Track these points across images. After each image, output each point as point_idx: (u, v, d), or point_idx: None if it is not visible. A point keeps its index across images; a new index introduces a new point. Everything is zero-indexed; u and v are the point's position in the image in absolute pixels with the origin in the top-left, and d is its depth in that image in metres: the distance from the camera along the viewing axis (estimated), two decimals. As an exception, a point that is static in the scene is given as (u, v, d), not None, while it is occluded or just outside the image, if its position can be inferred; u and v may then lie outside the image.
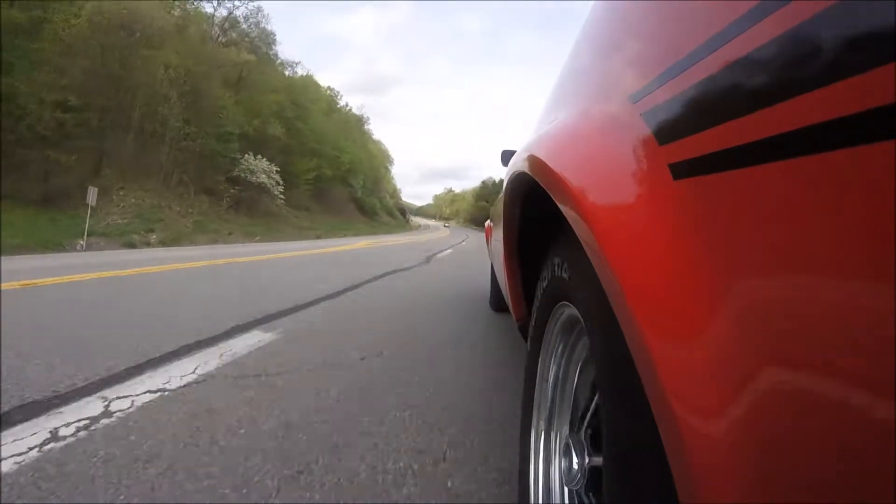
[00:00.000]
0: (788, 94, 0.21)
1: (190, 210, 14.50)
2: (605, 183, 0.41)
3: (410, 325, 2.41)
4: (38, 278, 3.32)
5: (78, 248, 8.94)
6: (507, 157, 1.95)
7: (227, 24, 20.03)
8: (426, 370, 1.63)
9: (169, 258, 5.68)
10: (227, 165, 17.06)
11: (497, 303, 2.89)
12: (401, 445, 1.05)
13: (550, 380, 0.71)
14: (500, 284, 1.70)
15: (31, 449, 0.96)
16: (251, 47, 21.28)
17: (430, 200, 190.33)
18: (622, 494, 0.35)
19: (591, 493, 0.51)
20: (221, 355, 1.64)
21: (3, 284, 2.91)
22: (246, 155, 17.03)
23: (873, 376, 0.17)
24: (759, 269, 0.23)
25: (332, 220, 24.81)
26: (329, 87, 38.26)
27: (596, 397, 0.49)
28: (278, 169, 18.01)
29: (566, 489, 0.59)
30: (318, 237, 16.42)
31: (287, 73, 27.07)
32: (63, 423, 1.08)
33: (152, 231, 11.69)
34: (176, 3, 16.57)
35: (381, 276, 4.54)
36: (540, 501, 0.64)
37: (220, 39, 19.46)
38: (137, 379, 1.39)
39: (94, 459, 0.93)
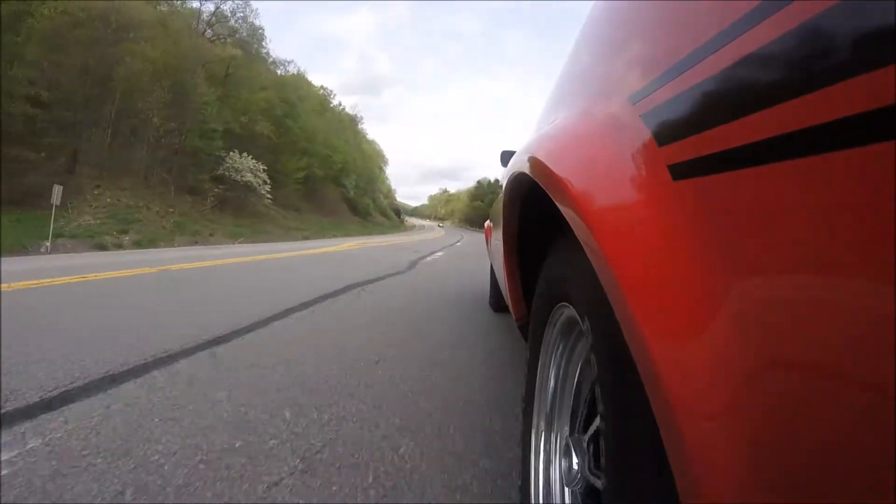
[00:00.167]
0: (788, 95, 0.21)
1: (170, 210, 13.88)
2: (605, 184, 0.42)
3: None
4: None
5: (42, 250, 8.25)
6: (506, 157, 1.96)
7: (213, 19, 19.28)
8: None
9: (119, 263, 4.91)
10: (212, 164, 16.38)
11: (497, 302, 2.90)
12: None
13: (551, 380, 0.71)
14: (500, 284, 1.71)
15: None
16: (239, 43, 20.54)
17: (425, 201, 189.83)
18: (622, 495, 0.35)
19: (590, 495, 0.51)
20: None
21: None
22: (231, 153, 16.29)
23: (873, 376, 0.17)
24: (759, 269, 0.24)
25: (323, 221, 24.27)
26: (322, 87, 37.67)
27: (596, 398, 0.46)
28: (265, 168, 17.32)
29: (567, 489, 0.59)
30: (307, 238, 15.86)
31: (279, 71, 26.75)
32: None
33: (126, 232, 10.98)
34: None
35: (333, 295, 3.19)
36: (541, 501, 0.65)
37: (206, 34, 18.68)
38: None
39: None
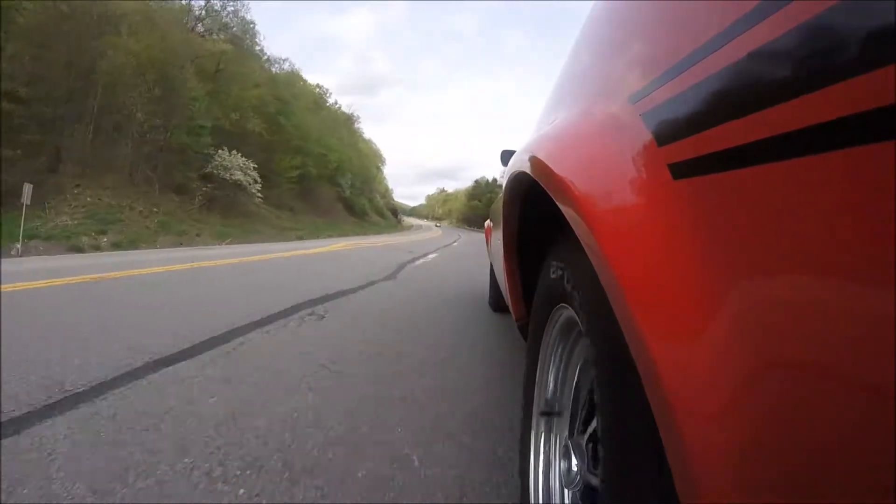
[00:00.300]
0: (788, 94, 0.21)
1: (155, 209, 13.30)
2: (605, 183, 0.42)
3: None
4: None
5: (13, 252, 7.67)
6: (506, 157, 1.97)
7: (203, 14, 18.67)
8: None
9: (81, 267, 4.32)
10: (200, 161, 15.76)
11: (496, 302, 2.91)
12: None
13: (550, 382, 0.72)
14: (500, 284, 1.70)
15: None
16: (231, 39, 19.96)
17: (423, 201, 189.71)
18: (621, 496, 0.36)
19: (589, 497, 0.51)
20: None
21: None
22: (220, 150, 15.68)
23: (873, 377, 0.17)
24: (759, 268, 0.24)
25: (318, 221, 23.80)
26: (318, 85, 37.16)
27: (595, 399, 0.47)
28: (256, 166, 16.72)
29: (566, 491, 0.59)
30: (300, 238, 15.34)
31: (274, 69, 26.55)
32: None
33: (105, 233, 10.38)
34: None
35: (261, 324, 2.22)
36: (540, 502, 0.65)
37: (196, 29, 18.06)
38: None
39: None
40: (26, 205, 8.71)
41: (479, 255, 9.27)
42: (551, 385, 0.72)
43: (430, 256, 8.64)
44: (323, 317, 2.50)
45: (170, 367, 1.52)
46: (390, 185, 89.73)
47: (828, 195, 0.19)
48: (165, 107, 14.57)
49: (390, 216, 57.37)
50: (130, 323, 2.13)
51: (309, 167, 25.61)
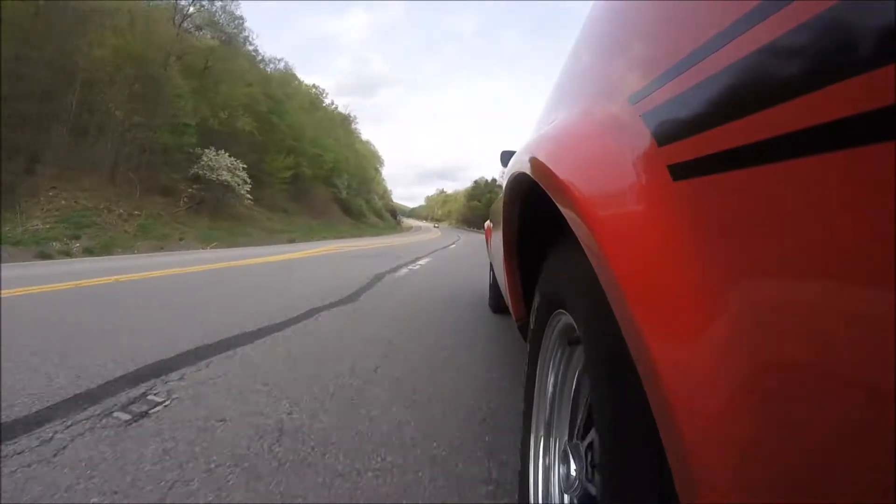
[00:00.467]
0: (788, 95, 0.21)
1: (136, 212, 12.57)
2: (605, 184, 0.42)
3: None
4: None
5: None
6: (506, 157, 1.96)
7: (191, 9, 17.98)
8: None
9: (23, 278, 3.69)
10: (185, 162, 15.02)
11: (496, 303, 2.90)
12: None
13: (549, 386, 0.72)
14: (500, 284, 1.70)
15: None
16: (221, 35, 19.25)
17: (422, 202, 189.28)
18: (620, 496, 0.36)
19: (588, 500, 0.51)
20: None
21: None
22: (206, 150, 14.95)
23: (873, 377, 0.18)
24: (759, 269, 0.24)
25: (313, 223, 23.21)
26: (314, 85, 36.56)
27: (593, 401, 0.48)
28: (245, 166, 15.99)
29: (565, 496, 0.59)
30: (292, 241, 14.69)
31: (269, 69, 26.28)
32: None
33: (77, 238, 9.67)
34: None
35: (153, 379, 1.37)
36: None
37: (183, 25, 17.36)
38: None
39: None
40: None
41: (481, 260, 7.73)
42: (551, 389, 0.72)
43: (421, 263, 7.08)
44: (141, 417, 1.21)
45: None
46: (389, 186, 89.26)
47: (828, 196, 0.20)
48: (147, 104, 13.83)
49: (389, 217, 56.74)
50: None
51: (303, 168, 25.07)
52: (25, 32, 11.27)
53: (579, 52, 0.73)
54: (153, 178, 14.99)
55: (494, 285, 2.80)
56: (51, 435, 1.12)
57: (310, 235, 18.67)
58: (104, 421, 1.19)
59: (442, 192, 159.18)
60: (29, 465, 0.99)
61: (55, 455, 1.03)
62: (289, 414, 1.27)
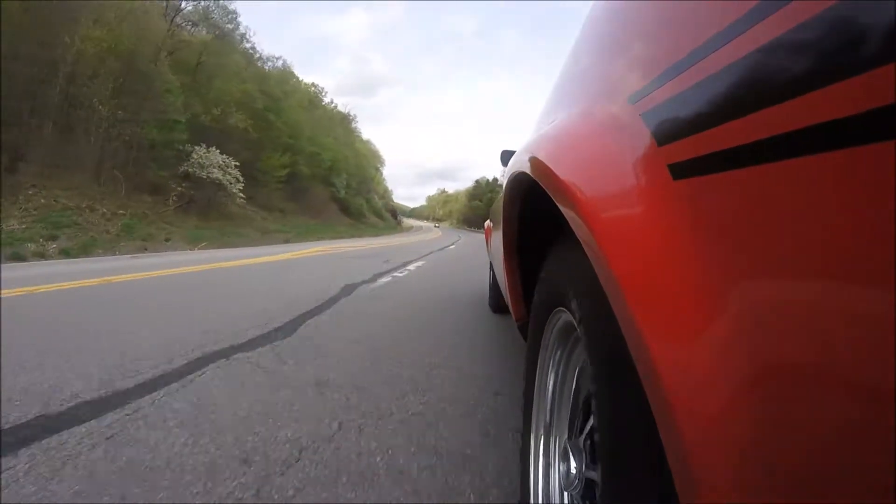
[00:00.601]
0: (788, 94, 0.22)
1: (121, 211, 11.99)
2: (605, 183, 0.43)
3: None
4: None
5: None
6: (506, 157, 1.97)
7: (183, 3, 17.43)
8: None
9: None
10: (175, 159, 14.44)
11: (496, 303, 2.91)
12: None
13: (549, 384, 0.73)
14: (500, 284, 1.69)
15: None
16: (215, 30, 18.68)
17: (423, 202, 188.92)
18: (620, 496, 0.36)
19: (588, 499, 0.52)
20: None
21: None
22: (196, 147, 14.36)
23: (873, 378, 0.18)
24: (759, 269, 0.24)
25: (310, 223, 22.69)
26: (313, 84, 36.07)
27: (592, 401, 0.48)
28: (238, 164, 15.37)
29: (565, 493, 0.60)
30: (287, 241, 14.14)
31: (268, 67, 26.09)
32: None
33: (55, 238, 9.10)
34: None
35: None
36: (539, 503, 0.66)
37: (175, 20, 16.79)
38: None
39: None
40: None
41: (481, 261, 6.78)
42: (551, 388, 0.72)
43: (412, 267, 6.06)
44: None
45: None
46: (390, 186, 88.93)
47: (828, 195, 0.20)
48: (133, 99, 13.24)
49: (389, 217, 56.24)
50: None
51: (300, 166, 24.61)
52: (14, 27, 10.98)
53: (579, 51, 0.74)
54: (141, 175, 14.48)
55: (494, 285, 2.78)
56: None
57: (306, 236, 18.16)
58: None
59: (443, 191, 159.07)
60: None
61: None
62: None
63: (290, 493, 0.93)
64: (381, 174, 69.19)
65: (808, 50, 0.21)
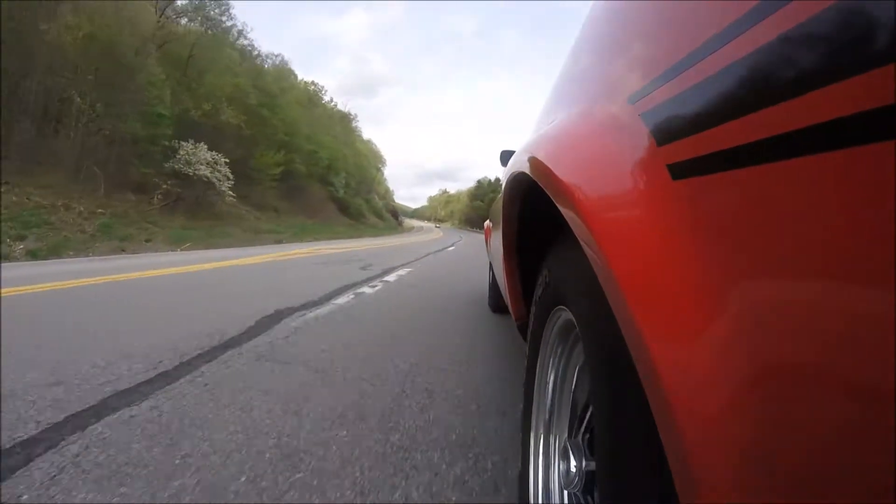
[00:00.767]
0: (787, 94, 0.22)
1: (99, 210, 11.24)
2: (604, 183, 0.43)
3: None
4: None
5: None
6: (506, 157, 1.98)
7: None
8: None
9: None
10: (161, 156, 13.68)
11: (496, 303, 2.94)
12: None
13: (549, 383, 0.73)
14: (500, 284, 1.71)
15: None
16: (207, 22, 17.96)
17: (425, 202, 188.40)
18: (620, 496, 0.36)
19: (588, 496, 0.52)
20: None
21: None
22: (183, 143, 13.61)
23: (873, 379, 0.18)
24: (759, 269, 0.24)
25: (307, 223, 22.00)
26: (313, 82, 35.40)
27: (592, 401, 0.50)
28: (228, 160, 14.61)
29: (565, 492, 0.61)
30: (279, 242, 13.36)
31: (266, 65, 25.70)
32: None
33: (23, 238, 8.37)
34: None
35: None
36: (539, 502, 0.67)
37: (166, 13, 16.07)
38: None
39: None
40: None
41: (484, 271, 5.28)
42: (551, 386, 0.72)
43: (393, 277, 4.81)
44: None
45: None
46: (391, 186, 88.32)
47: (828, 196, 0.20)
48: (115, 92, 12.50)
49: (389, 218, 55.59)
50: None
51: (296, 164, 23.86)
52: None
53: (579, 52, 0.75)
54: (124, 173, 13.72)
55: (494, 285, 2.80)
56: None
57: (301, 236, 17.49)
58: None
59: (444, 192, 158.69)
60: None
61: None
62: None
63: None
64: (383, 174, 68.63)
65: (807, 50, 0.21)
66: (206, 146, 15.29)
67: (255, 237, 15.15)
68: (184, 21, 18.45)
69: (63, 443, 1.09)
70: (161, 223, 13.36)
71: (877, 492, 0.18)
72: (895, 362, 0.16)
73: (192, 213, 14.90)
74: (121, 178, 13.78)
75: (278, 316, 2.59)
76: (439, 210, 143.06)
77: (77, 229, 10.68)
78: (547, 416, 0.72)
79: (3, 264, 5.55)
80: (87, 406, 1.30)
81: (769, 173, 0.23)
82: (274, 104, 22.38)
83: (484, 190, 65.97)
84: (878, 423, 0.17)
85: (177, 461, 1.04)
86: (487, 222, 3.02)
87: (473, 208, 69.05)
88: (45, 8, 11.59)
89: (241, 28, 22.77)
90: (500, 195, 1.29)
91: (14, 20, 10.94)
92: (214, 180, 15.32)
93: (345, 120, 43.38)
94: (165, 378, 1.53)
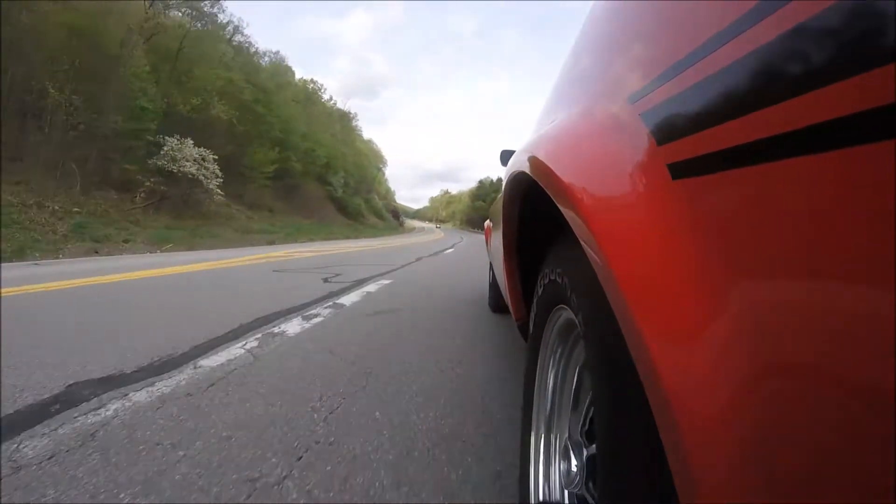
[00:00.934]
0: (787, 94, 0.22)
1: (76, 209, 10.55)
2: (604, 183, 0.43)
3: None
4: None
5: None
6: (506, 157, 1.97)
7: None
8: None
9: None
10: (145, 152, 12.98)
11: (496, 303, 2.87)
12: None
13: (550, 382, 0.73)
14: (500, 284, 1.70)
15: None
16: (196, 13, 17.30)
17: (426, 203, 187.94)
18: (620, 496, 0.36)
19: (589, 496, 0.52)
20: None
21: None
22: (167, 138, 12.91)
23: (873, 379, 0.18)
24: (759, 269, 0.24)
25: (303, 223, 21.29)
26: (312, 80, 34.75)
27: (592, 401, 0.51)
28: (216, 157, 13.89)
29: (566, 491, 0.60)
30: (271, 243, 12.66)
31: (264, 61, 24.26)
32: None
33: (-17, 240, 7.73)
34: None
35: None
36: (540, 502, 0.66)
37: (154, 4, 15.42)
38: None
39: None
40: None
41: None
42: (551, 385, 0.73)
43: (356, 297, 3.35)
44: None
45: None
46: (392, 187, 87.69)
47: (828, 195, 0.20)
48: (94, 85, 11.81)
49: (390, 218, 55.08)
50: None
51: (292, 162, 23.18)
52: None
53: (579, 51, 0.75)
54: (106, 170, 13.06)
55: (494, 285, 2.74)
56: None
57: (295, 236, 16.91)
58: None
59: (446, 192, 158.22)
60: None
61: None
62: None
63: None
64: (384, 174, 68.01)
65: (807, 50, 0.21)
66: (192, 142, 14.75)
67: (244, 238, 14.54)
68: (174, 13, 17.83)
69: None
70: (144, 223, 12.74)
71: (876, 492, 0.18)
72: (895, 362, 0.17)
73: (177, 212, 14.45)
74: (103, 175, 13.17)
75: (66, 403, 1.30)
76: (441, 211, 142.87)
77: (49, 229, 10.00)
78: (547, 416, 0.72)
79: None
80: None
81: (769, 173, 0.23)
82: (269, 100, 21.84)
83: (486, 190, 65.43)
84: (878, 424, 0.17)
85: None
86: (487, 222, 3.03)
87: (475, 209, 68.53)
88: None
89: (237, 24, 22.20)
90: (500, 195, 1.31)
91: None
92: (201, 178, 14.74)
93: (344, 118, 42.85)
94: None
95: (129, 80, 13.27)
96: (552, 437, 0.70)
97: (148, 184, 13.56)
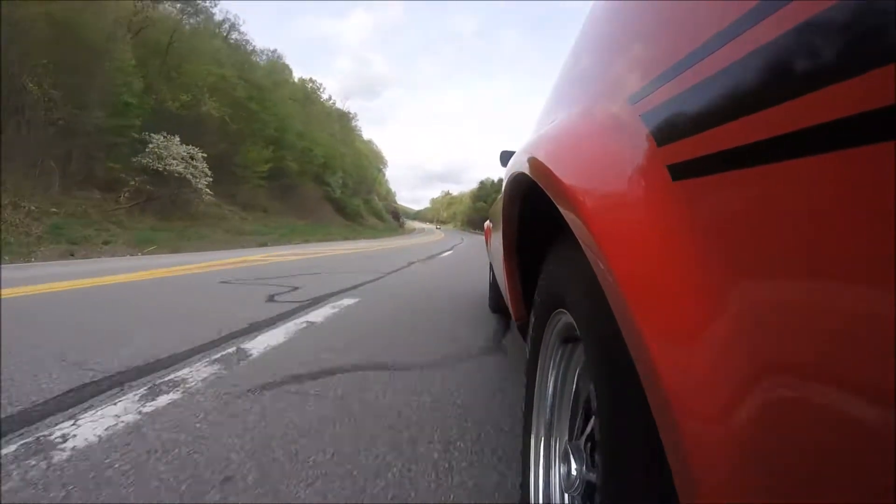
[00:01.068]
0: (788, 95, 0.22)
1: (53, 210, 9.98)
2: (604, 184, 0.44)
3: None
4: None
5: None
6: (506, 157, 1.98)
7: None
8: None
9: None
10: (130, 150, 12.42)
11: (496, 303, 2.91)
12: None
13: (550, 385, 0.73)
14: (500, 285, 1.70)
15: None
16: (189, 8, 16.80)
17: (427, 204, 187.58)
18: (620, 497, 0.37)
19: (588, 500, 0.53)
20: None
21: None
22: (153, 135, 12.34)
23: (873, 379, 0.18)
24: (759, 269, 0.25)
25: (298, 224, 20.76)
26: (311, 79, 34.30)
27: (592, 401, 0.50)
28: (206, 155, 13.33)
29: (566, 495, 0.60)
30: (263, 245, 12.08)
31: (261, 60, 25.40)
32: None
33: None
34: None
35: None
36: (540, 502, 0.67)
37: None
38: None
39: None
40: None
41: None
42: (551, 389, 0.73)
43: (291, 331, 2.17)
44: None
45: None
46: (394, 188, 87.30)
47: (828, 196, 0.20)
48: (75, 78, 11.26)
49: (390, 219, 54.53)
50: None
51: (288, 162, 22.67)
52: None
53: (579, 52, 0.76)
54: (89, 168, 12.48)
55: (494, 285, 2.76)
56: None
57: (290, 238, 16.37)
58: None
59: (447, 193, 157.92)
60: None
61: None
62: None
63: None
64: (384, 175, 67.53)
65: (807, 50, 0.21)
66: (178, 139, 14.27)
67: (235, 239, 14.06)
68: (165, 7, 17.35)
69: None
70: (127, 224, 12.23)
71: (876, 492, 0.18)
72: (895, 362, 0.17)
73: (164, 212, 14.02)
74: (86, 173, 12.64)
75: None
76: (442, 212, 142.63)
77: (22, 231, 9.44)
78: (547, 419, 0.73)
79: None
80: None
81: (769, 174, 0.23)
82: (264, 98, 21.33)
83: (487, 191, 64.98)
84: (878, 423, 0.18)
85: None
86: (487, 222, 3.09)
87: (476, 210, 68.10)
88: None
89: (233, 21, 21.73)
90: (500, 195, 1.34)
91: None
92: (189, 176, 14.28)
93: (343, 118, 42.42)
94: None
95: (114, 74, 12.75)
96: (552, 440, 0.71)
97: (133, 183, 13.18)
